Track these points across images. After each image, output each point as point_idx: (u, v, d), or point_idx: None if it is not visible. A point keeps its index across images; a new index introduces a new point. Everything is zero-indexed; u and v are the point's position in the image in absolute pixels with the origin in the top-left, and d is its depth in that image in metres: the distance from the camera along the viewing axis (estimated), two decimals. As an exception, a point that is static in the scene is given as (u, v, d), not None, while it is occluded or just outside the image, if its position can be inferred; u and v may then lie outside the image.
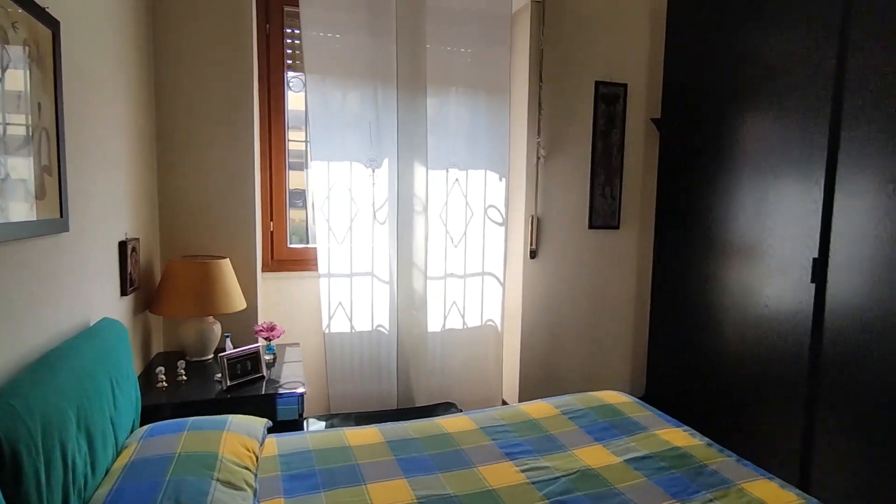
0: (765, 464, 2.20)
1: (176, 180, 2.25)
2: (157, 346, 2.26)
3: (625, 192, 2.98)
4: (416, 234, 2.61)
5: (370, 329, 2.61)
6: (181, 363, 1.93)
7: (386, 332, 2.62)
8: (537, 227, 2.82)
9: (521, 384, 2.87)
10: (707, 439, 1.68)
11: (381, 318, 2.61)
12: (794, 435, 2.07)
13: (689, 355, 2.63)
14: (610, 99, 2.92)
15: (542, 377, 2.91)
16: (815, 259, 1.98)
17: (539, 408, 1.91)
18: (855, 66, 1.86)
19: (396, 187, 2.55)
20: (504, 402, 2.96)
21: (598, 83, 2.87)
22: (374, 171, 2.53)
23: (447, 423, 1.78)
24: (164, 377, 1.83)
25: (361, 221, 2.54)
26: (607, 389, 3.04)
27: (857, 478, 1.87)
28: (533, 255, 2.82)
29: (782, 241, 2.13)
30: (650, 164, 2.99)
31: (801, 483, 2.03)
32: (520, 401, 2.76)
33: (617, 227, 2.97)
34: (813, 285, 1.99)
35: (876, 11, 1.79)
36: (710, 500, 1.33)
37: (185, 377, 1.91)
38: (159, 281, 2.10)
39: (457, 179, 2.71)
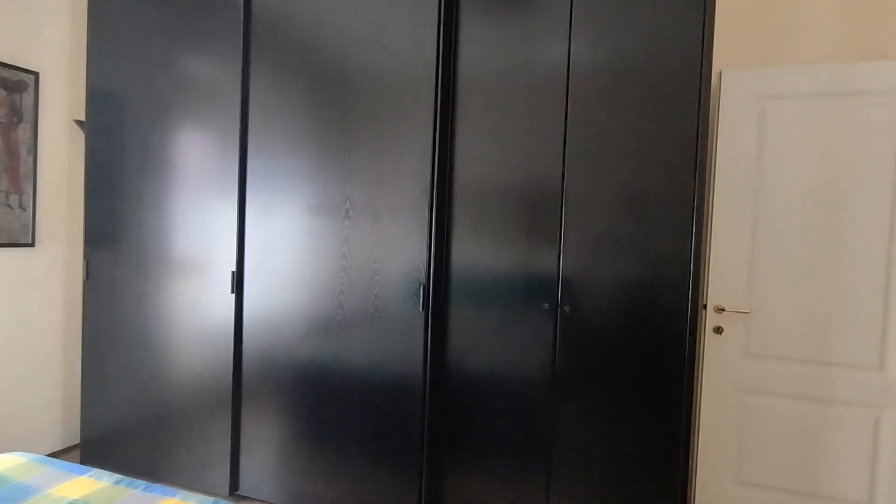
0: (202, 473, 2.27)
1: None
2: None
3: (43, 202, 2.46)
4: None
5: None
6: None
7: None
8: None
9: None
10: (117, 476, 1.53)
11: None
12: (226, 437, 2.22)
13: (130, 382, 2.42)
14: (15, 86, 2.35)
15: None
16: (233, 272, 2.19)
17: None
18: (255, 95, 2.17)
19: None
20: None
21: (-8, 62, 2.26)
22: None
23: None
24: None
25: None
26: (27, 448, 2.45)
27: (276, 464, 2.17)
28: None
29: (213, 256, 2.24)
30: (77, 172, 2.60)
31: (233, 482, 2.19)
32: None
33: (31, 245, 2.41)
34: (233, 296, 2.19)
35: (269, 44, 2.14)
36: (98, 550, 1.19)
37: None
38: None
39: None
